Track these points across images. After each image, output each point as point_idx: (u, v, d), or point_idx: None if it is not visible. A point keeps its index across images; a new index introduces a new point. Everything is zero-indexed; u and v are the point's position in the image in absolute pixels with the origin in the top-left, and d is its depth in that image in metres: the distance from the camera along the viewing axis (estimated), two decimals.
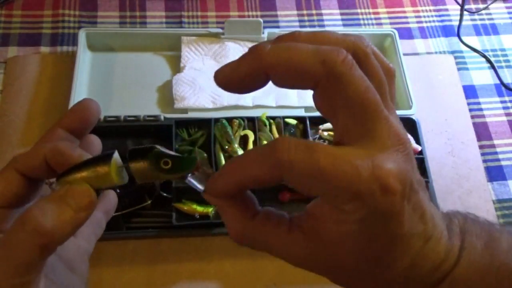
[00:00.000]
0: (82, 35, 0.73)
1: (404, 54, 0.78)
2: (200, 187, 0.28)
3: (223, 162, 0.66)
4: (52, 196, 0.27)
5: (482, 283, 0.26)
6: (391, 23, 0.87)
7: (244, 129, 0.69)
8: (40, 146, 0.29)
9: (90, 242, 0.37)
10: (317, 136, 0.71)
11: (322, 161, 0.22)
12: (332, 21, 0.86)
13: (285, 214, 0.27)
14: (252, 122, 0.69)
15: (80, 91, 0.70)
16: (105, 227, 0.37)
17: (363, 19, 0.87)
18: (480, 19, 0.89)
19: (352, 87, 0.22)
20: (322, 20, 0.86)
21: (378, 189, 0.22)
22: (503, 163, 0.76)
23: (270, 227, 0.26)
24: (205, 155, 0.67)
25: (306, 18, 0.86)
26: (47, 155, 0.29)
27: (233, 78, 0.25)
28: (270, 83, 0.24)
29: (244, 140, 0.68)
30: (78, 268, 0.34)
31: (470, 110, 0.80)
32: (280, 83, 0.24)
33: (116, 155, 0.29)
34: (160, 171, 0.28)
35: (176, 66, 0.77)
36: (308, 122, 0.70)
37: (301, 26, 0.85)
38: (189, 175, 0.28)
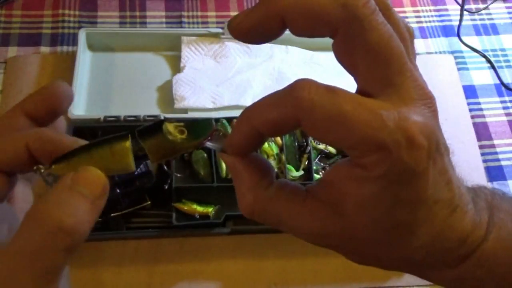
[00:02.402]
0: (82, 35, 0.73)
1: None
2: (218, 147, 0.26)
3: (223, 162, 0.66)
4: (60, 187, 0.24)
5: None
6: None
7: None
8: (16, 136, 0.26)
9: None
10: None
11: (345, 105, 0.20)
12: None
13: (300, 185, 0.25)
14: None
15: (80, 91, 0.70)
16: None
17: None
18: (480, 19, 0.89)
19: (375, 33, 0.21)
20: None
21: (403, 140, 0.20)
22: (503, 163, 0.76)
23: (284, 198, 0.24)
24: (205, 154, 0.67)
25: None
26: (31, 145, 0.25)
27: (246, 25, 0.23)
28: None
29: None
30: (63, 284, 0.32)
31: (470, 110, 0.80)
32: (297, 30, 0.22)
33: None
34: (177, 142, 0.26)
35: (176, 66, 0.77)
36: None
37: None
38: (206, 141, 0.26)
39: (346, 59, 0.22)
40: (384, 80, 0.21)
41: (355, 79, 0.23)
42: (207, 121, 0.26)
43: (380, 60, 0.21)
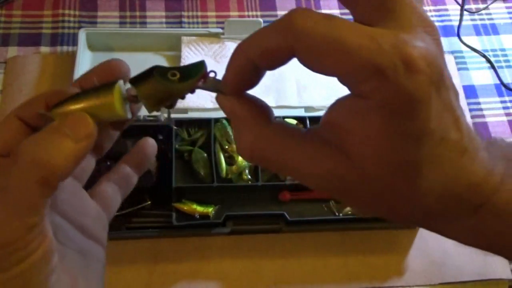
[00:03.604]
0: (82, 35, 0.73)
1: None
2: (213, 90, 0.26)
3: (223, 162, 0.66)
4: (46, 128, 0.25)
5: None
6: None
7: None
8: (38, 95, 0.28)
9: (114, 202, 0.34)
10: None
11: (340, 30, 0.20)
12: None
13: (300, 127, 0.25)
14: None
15: None
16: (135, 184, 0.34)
17: None
18: (480, 19, 0.89)
19: None
20: None
21: (400, 63, 0.19)
22: None
23: (285, 137, 0.24)
24: (205, 154, 0.67)
25: None
26: (48, 99, 0.27)
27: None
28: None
29: None
30: (97, 233, 0.32)
31: (470, 110, 0.80)
32: None
33: (120, 82, 0.27)
34: (171, 85, 0.26)
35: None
36: (308, 122, 0.70)
37: None
38: (200, 83, 0.26)
39: None
40: (381, 8, 0.21)
41: (352, 13, 0.22)
42: (200, 62, 0.26)
43: None
